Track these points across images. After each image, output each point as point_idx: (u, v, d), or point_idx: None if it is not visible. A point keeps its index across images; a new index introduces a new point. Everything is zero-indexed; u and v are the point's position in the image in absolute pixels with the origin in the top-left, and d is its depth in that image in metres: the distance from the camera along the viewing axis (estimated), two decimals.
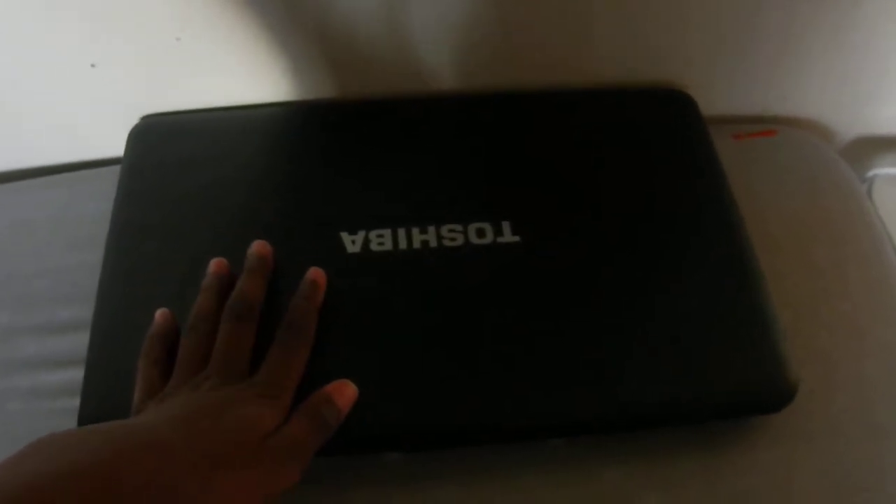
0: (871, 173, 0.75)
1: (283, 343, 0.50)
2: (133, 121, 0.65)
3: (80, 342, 0.54)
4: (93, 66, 0.61)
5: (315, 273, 0.53)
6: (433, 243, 0.56)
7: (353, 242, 0.56)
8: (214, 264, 0.54)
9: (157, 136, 0.64)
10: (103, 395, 0.51)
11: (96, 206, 0.62)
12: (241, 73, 0.64)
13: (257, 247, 0.54)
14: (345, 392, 0.48)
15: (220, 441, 0.42)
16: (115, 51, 0.60)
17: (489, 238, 0.56)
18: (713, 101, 0.68)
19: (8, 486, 0.35)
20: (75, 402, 0.51)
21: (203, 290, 0.53)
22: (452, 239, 0.56)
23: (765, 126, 0.71)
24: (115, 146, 0.64)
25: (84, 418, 0.50)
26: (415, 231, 0.56)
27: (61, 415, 0.53)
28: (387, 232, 0.56)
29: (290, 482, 0.44)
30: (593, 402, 0.51)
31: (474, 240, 0.56)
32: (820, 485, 0.52)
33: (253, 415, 0.44)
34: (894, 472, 0.53)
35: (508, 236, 0.56)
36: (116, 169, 0.62)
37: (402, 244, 0.56)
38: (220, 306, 0.52)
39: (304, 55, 0.62)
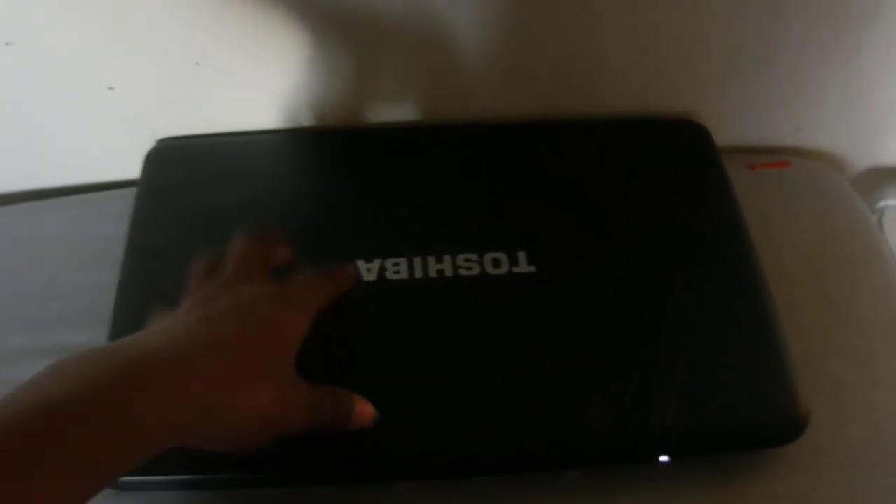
0: (881, 204, 0.75)
1: (310, 273, 0.50)
2: (149, 144, 0.65)
3: None
4: (111, 88, 0.61)
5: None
6: (449, 273, 0.56)
7: (369, 270, 0.56)
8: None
9: (172, 159, 0.64)
10: None
11: (111, 227, 0.62)
12: (258, 99, 0.64)
13: None
14: (364, 408, 0.48)
15: (244, 351, 0.42)
16: (133, 74, 0.61)
17: (505, 268, 0.56)
18: (727, 131, 0.68)
19: (18, 410, 0.34)
20: None
21: None
22: (468, 268, 0.56)
23: (778, 157, 0.71)
24: (131, 168, 0.64)
25: None
26: (430, 260, 0.56)
27: None
28: (402, 261, 0.56)
29: (298, 427, 0.44)
30: (606, 432, 0.51)
31: (490, 269, 0.56)
32: None
33: (278, 321, 0.44)
34: None
35: (524, 266, 0.57)
36: (131, 191, 0.63)
37: (418, 273, 0.56)
38: None
39: (321, 81, 0.63)
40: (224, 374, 0.40)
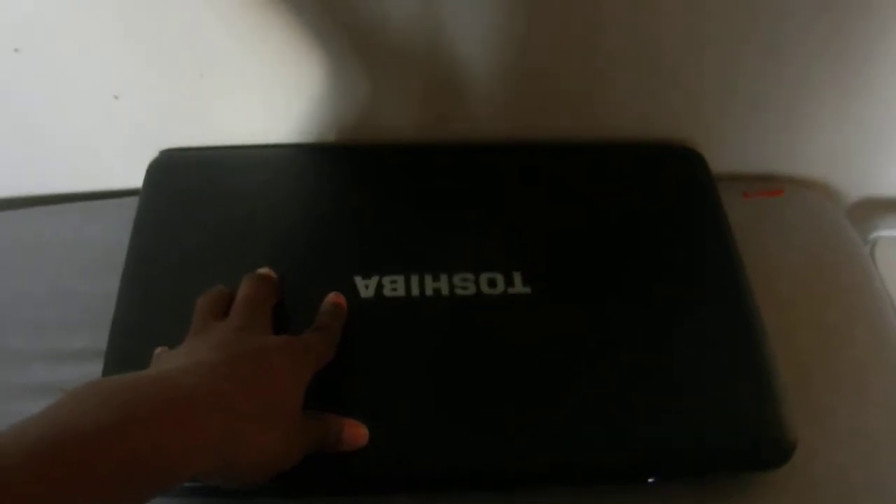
0: (874, 234, 0.76)
1: (310, 332, 0.51)
2: (152, 153, 0.66)
3: (90, 370, 0.54)
4: (116, 97, 0.62)
5: (335, 296, 0.55)
6: (445, 291, 0.57)
7: (367, 287, 0.56)
8: None
9: (175, 170, 0.65)
10: None
11: (112, 234, 0.63)
12: (260, 113, 0.65)
13: (265, 270, 0.56)
14: (355, 430, 0.49)
15: (258, 400, 0.43)
16: (138, 84, 0.61)
17: (500, 288, 0.57)
18: (722, 158, 0.69)
19: (49, 433, 0.34)
20: None
21: None
22: (464, 288, 0.57)
23: (773, 185, 0.72)
24: (133, 177, 0.65)
25: None
26: (428, 278, 0.57)
27: None
28: (400, 278, 0.57)
29: (297, 460, 0.45)
30: (595, 452, 0.52)
31: (486, 290, 0.57)
32: None
33: (286, 375, 0.46)
34: None
35: (520, 287, 0.57)
36: (133, 200, 0.63)
37: (415, 291, 0.56)
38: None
39: (322, 98, 0.63)
40: (243, 419, 0.42)
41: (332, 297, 0.55)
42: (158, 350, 0.51)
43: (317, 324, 0.53)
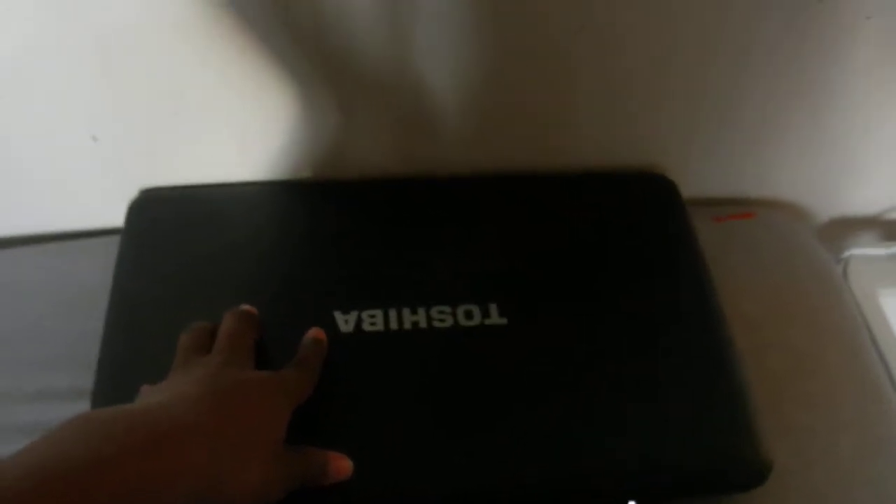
0: (846, 254, 0.77)
1: (290, 368, 0.52)
2: (132, 193, 0.66)
3: (76, 409, 0.52)
4: (95, 139, 0.62)
5: (316, 331, 0.56)
6: (423, 324, 0.57)
7: (346, 322, 0.57)
8: None
9: (155, 208, 0.65)
10: None
11: (94, 274, 0.63)
12: (236, 150, 0.66)
13: (246, 307, 0.57)
14: (340, 462, 0.50)
15: (242, 433, 0.44)
16: (116, 126, 0.62)
17: (477, 320, 0.58)
18: (693, 183, 0.70)
19: (40, 465, 0.35)
20: None
21: None
22: (442, 320, 0.58)
23: (744, 208, 0.73)
24: (113, 216, 0.65)
25: None
26: (405, 312, 0.58)
27: None
28: (379, 312, 0.58)
29: (280, 494, 0.46)
30: (571, 478, 0.53)
31: (463, 321, 0.58)
32: None
33: (266, 411, 0.47)
34: None
35: (496, 318, 0.58)
36: (114, 239, 0.63)
37: (394, 324, 0.57)
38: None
39: (297, 135, 0.64)
40: (226, 450, 0.42)
41: (313, 332, 0.55)
42: (143, 388, 0.51)
43: (297, 358, 0.53)
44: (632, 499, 0.53)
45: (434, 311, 0.58)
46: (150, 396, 0.47)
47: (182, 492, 0.39)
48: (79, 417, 0.40)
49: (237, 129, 0.64)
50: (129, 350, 0.56)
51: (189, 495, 0.40)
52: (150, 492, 0.38)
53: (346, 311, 0.58)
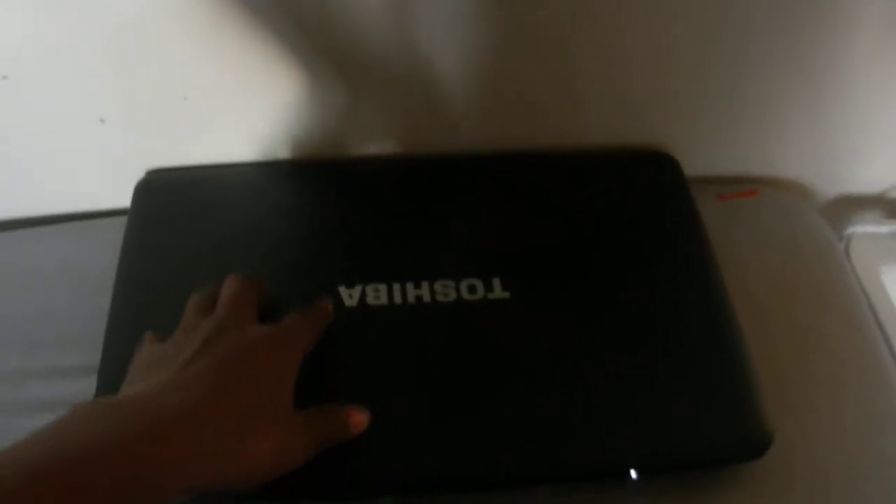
0: (848, 231, 0.77)
1: (294, 315, 0.52)
2: (139, 174, 0.67)
3: (85, 387, 0.55)
4: (102, 121, 0.63)
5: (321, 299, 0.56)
6: (427, 298, 0.58)
7: (351, 296, 0.57)
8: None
9: (162, 190, 0.66)
10: None
11: (101, 255, 0.63)
12: (245, 132, 0.66)
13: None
14: (358, 416, 0.50)
15: (246, 400, 0.44)
16: (124, 107, 0.63)
17: (480, 294, 0.58)
18: (696, 162, 0.70)
19: (46, 454, 0.36)
20: None
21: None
22: (445, 294, 0.58)
23: (747, 187, 0.73)
24: (121, 198, 0.66)
25: None
26: (409, 286, 0.58)
27: None
28: (383, 287, 0.58)
29: (302, 459, 0.46)
30: (575, 451, 0.53)
31: (466, 295, 0.58)
32: None
33: (272, 365, 0.47)
34: None
35: (499, 292, 0.58)
36: (122, 220, 0.64)
37: (398, 299, 0.58)
38: None
39: (305, 116, 0.64)
40: (231, 426, 0.43)
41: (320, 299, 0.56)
42: (148, 336, 0.52)
43: (303, 308, 0.54)
44: (637, 470, 0.53)
45: (437, 286, 0.58)
46: (149, 368, 0.47)
47: (190, 476, 0.40)
48: (79, 406, 0.40)
49: (243, 110, 0.64)
50: (135, 330, 0.56)
51: (199, 477, 0.40)
52: (153, 478, 0.38)
53: (350, 286, 0.58)
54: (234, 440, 0.42)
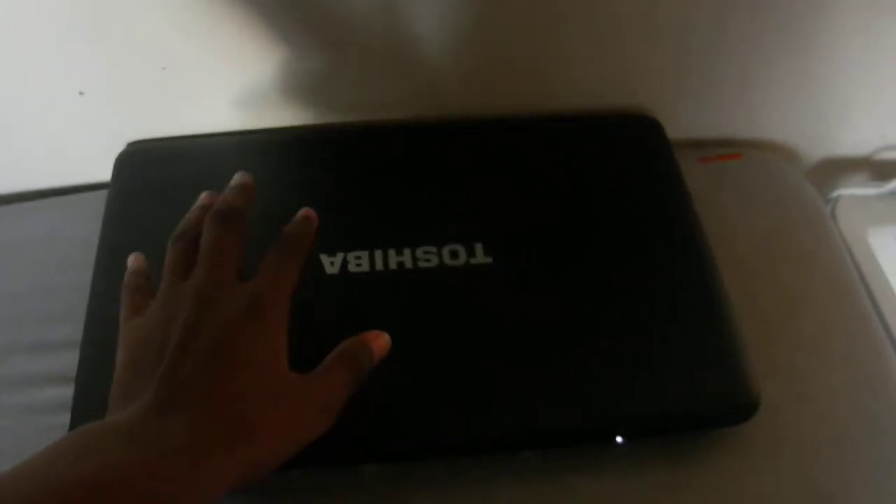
0: (835, 194, 0.77)
1: (276, 251, 0.49)
2: (120, 147, 0.66)
3: (70, 360, 0.55)
4: (81, 93, 0.62)
5: (306, 210, 0.53)
6: (409, 265, 0.58)
7: (332, 264, 0.57)
8: (206, 195, 0.54)
9: (143, 161, 0.65)
10: (93, 412, 0.50)
11: (84, 228, 0.63)
12: (225, 102, 0.66)
13: (242, 177, 0.54)
14: (380, 339, 0.49)
15: (247, 396, 0.42)
16: (102, 79, 0.62)
17: (462, 259, 0.58)
18: (680, 124, 0.69)
19: (30, 493, 0.34)
20: (65, 418, 0.52)
21: (192, 210, 0.53)
22: (427, 260, 0.58)
23: (731, 149, 0.72)
24: (102, 171, 0.66)
25: None
26: (391, 252, 0.58)
27: (51, 431, 0.53)
28: (364, 254, 0.58)
29: (321, 429, 0.45)
30: (562, 415, 0.53)
31: (448, 261, 0.58)
32: (787, 495, 0.53)
33: (259, 338, 0.44)
34: (860, 482, 0.54)
35: (481, 257, 0.58)
36: (103, 193, 0.64)
37: (379, 265, 0.57)
38: None
39: (283, 83, 0.64)
40: (235, 427, 0.41)
41: (303, 211, 0.53)
42: (132, 268, 0.52)
43: (283, 235, 0.51)
44: (624, 434, 0.53)
45: (419, 252, 0.58)
46: (134, 371, 0.46)
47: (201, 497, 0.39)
48: (73, 436, 0.39)
49: (222, 79, 0.64)
50: (116, 302, 0.56)
51: (212, 494, 0.39)
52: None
53: (331, 254, 0.58)
54: (243, 440, 0.41)
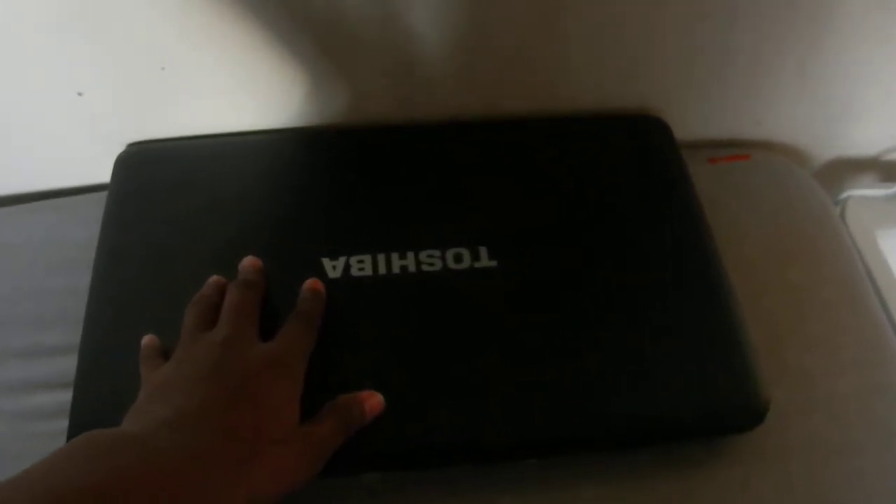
0: (844, 195, 0.76)
1: (292, 323, 0.52)
2: (119, 148, 0.66)
3: (65, 365, 0.54)
4: (80, 94, 0.62)
5: (313, 282, 0.55)
6: (412, 268, 0.57)
7: (335, 268, 0.57)
8: (216, 278, 0.56)
9: (142, 163, 0.65)
10: (93, 418, 0.51)
11: (82, 231, 0.63)
12: (224, 102, 0.65)
13: (250, 261, 0.56)
14: (373, 399, 0.50)
15: (257, 432, 0.44)
16: (101, 80, 0.61)
17: (467, 263, 0.57)
18: (687, 126, 0.69)
19: (49, 493, 0.35)
20: (60, 424, 0.51)
21: (206, 286, 0.55)
22: (431, 264, 0.57)
23: (739, 150, 0.72)
24: (101, 173, 0.65)
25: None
26: (394, 256, 0.57)
27: (46, 437, 0.53)
28: (367, 257, 0.57)
29: (310, 476, 0.46)
30: (567, 421, 0.52)
31: (452, 265, 0.57)
32: (796, 502, 0.53)
33: (278, 391, 0.47)
34: (869, 488, 0.54)
35: (486, 261, 0.58)
36: (102, 195, 0.63)
37: (382, 269, 0.57)
38: (222, 299, 0.53)
39: (283, 85, 0.64)
40: (240, 456, 0.43)
41: (310, 283, 0.55)
42: (146, 342, 0.52)
43: (297, 310, 0.53)
44: (630, 441, 0.53)
45: (423, 255, 0.58)
46: (154, 395, 0.47)
47: None
48: (84, 439, 0.40)
49: (224, 80, 0.63)
50: (116, 306, 0.56)
51: None
52: None
53: (333, 258, 0.57)
54: (247, 473, 0.42)
